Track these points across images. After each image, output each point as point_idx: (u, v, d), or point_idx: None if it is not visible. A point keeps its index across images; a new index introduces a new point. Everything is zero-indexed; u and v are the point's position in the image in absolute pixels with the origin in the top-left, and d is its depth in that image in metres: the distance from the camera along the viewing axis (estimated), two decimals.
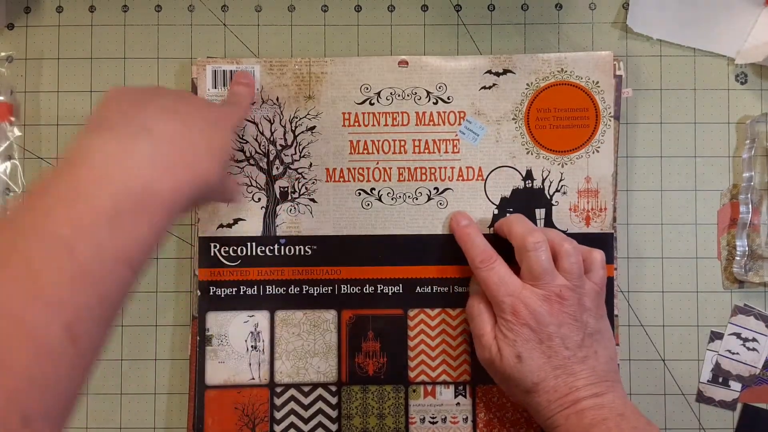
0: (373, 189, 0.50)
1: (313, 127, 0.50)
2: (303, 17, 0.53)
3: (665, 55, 0.52)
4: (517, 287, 0.44)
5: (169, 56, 0.53)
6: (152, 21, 0.53)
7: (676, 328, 0.51)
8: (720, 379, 0.51)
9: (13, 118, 0.52)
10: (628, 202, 0.52)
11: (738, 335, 0.51)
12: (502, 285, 0.44)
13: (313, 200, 0.50)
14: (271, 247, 0.50)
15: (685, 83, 0.52)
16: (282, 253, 0.50)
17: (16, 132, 0.52)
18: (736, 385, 0.51)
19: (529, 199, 0.50)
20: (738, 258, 0.51)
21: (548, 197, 0.50)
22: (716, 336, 0.51)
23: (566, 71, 0.50)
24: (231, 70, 0.50)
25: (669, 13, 0.52)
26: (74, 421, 0.51)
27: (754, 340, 0.51)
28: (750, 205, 0.51)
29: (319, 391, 0.49)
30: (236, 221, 0.50)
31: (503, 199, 0.50)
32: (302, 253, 0.50)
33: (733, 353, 0.51)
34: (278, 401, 0.49)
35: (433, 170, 0.50)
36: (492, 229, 0.50)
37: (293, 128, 0.50)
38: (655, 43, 0.52)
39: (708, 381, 0.51)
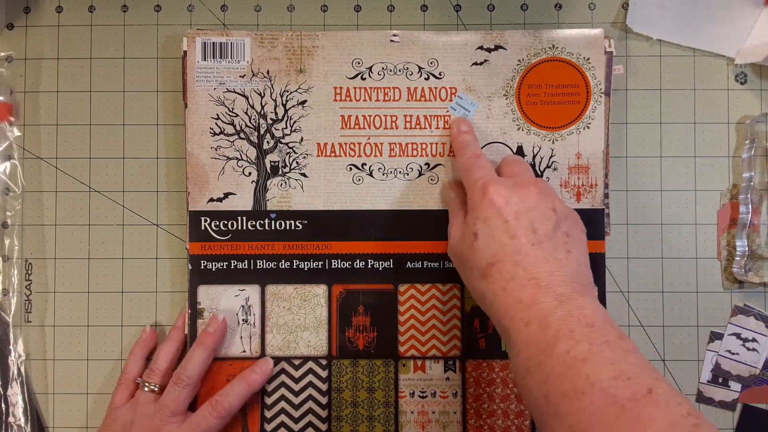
0: (364, 164, 0.50)
1: (305, 101, 0.50)
2: (303, 17, 0.53)
3: (665, 55, 0.52)
4: (494, 173, 0.44)
5: (169, 56, 0.52)
6: (152, 21, 0.53)
7: (676, 329, 0.51)
8: (720, 380, 0.51)
9: (12, 118, 0.52)
10: (628, 202, 0.52)
11: (738, 335, 0.51)
12: (481, 169, 0.44)
13: (303, 175, 0.50)
14: (262, 222, 0.50)
15: (685, 83, 0.52)
16: (272, 227, 0.50)
17: (16, 132, 0.52)
18: (735, 386, 0.51)
19: None
20: (738, 258, 0.51)
21: (539, 173, 0.50)
22: (716, 336, 0.51)
23: (557, 47, 0.50)
24: (221, 42, 0.49)
25: (669, 13, 0.52)
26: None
27: (753, 340, 0.51)
28: (750, 205, 0.51)
29: (310, 364, 0.50)
30: (226, 195, 0.50)
31: None
32: (293, 227, 0.50)
33: (733, 353, 0.51)
34: None
35: (424, 146, 0.50)
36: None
37: (284, 102, 0.50)
38: (654, 43, 0.52)
39: (708, 381, 0.51)
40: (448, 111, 0.50)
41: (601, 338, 0.36)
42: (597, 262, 0.49)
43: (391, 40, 0.50)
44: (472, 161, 0.45)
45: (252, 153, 0.50)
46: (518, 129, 0.50)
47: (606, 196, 0.50)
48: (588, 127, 0.50)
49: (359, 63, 0.50)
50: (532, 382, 0.36)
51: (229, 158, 0.50)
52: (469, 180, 0.44)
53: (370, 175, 0.50)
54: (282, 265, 0.50)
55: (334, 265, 0.50)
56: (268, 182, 0.50)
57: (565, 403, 0.34)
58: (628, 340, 0.37)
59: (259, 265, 0.50)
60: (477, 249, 0.41)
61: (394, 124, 0.50)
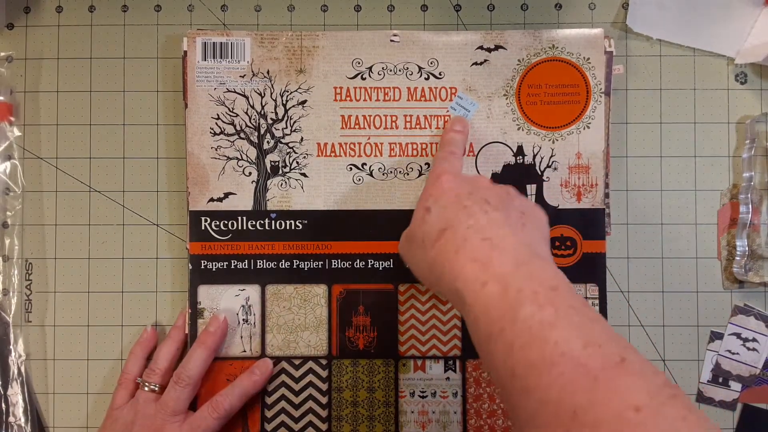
0: (364, 164, 0.50)
1: (305, 101, 0.50)
2: (303, 17, 0.53)
3: (665, 55, 0.52)
4: (459, 170, 0.45)
5: (169, 56, 0.52)
6: (152, 21, 0.53)
7: (676, 328, 0.51)
8: (720, 380, 0.51)
9: (12, 118, 0.52)
10: (628, 202, 0.52)
11: (738, 335, 0.51)
12: (447, 162, 0.44)
13: (304, 175, 0.50)
14: (262, 222, 0.50)
15: (685, 83, 0.52)
16: (272, 227, 0.50)
17: (16, 132, 0.52)
18: (736, 386, 0.51)
19: (520, 175, 0.50)
20: (738, 258, 0.51)
21: (539, 173, 0.50)
22: (716, 336, 0.51)
23: (557, 47, 0.50)
24: (221, 42, 0.49)
25: (669, 13, 0.52)
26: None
27: (754, 340, 0.51)
28: (750, 205, 0.51)
29: (310, 364, 0.50)
30: (227, 195, 0.50)
31: (494, 175, 0.50)
32: (293, 227, 0.50)
33: (733, 353, 0.51)
34: None
35: (424, 146, 0.50)
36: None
37: (284, 102, 0.50)
38: (654, 43, 0.52)
39: (708, 381, 0.51)
40: (448, 111, 0.50)
41: (566, 302, 0.33)
42: (597, 262, 0.50)
43: (391, 40, 0.50)
44: (445, 155, 0.46)
45: (252, 153, 0.50)
46: (518, 129, 0.50)
47: (606, 195, 0.50)
48: (588, 127, 0.50)
49: (359, 63, 0.50)
50: (496, 351, 0.33)
51: (229, 158, 0.50)
52: (431, 171, 0.44)
53: (370, 175, 0.50)
54: (282, 265, 0.50)
55: (334, 265, 0.50)
56: (268, 182, 0.50)
57: (533, 376, 0.31)
58: (593, 309, 0.34)
59: (260, 265, 0.50)
60: (428, 221, 0.39)
61: (394, 124, 0.50)
